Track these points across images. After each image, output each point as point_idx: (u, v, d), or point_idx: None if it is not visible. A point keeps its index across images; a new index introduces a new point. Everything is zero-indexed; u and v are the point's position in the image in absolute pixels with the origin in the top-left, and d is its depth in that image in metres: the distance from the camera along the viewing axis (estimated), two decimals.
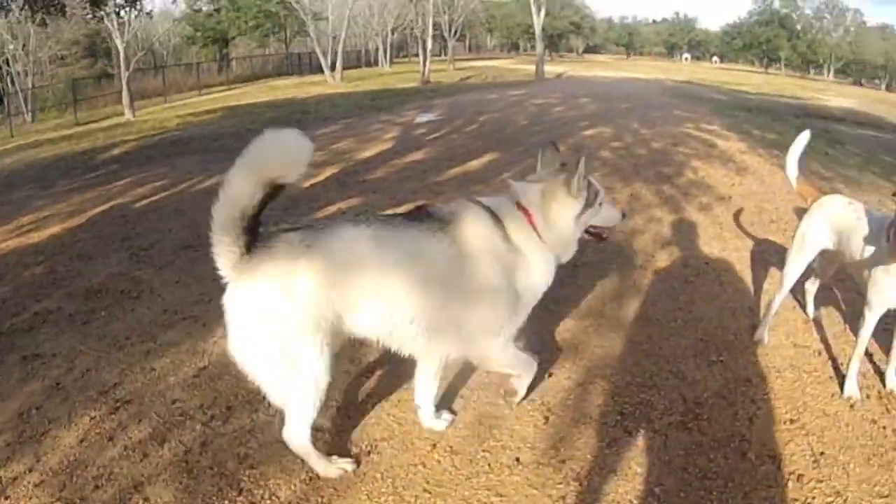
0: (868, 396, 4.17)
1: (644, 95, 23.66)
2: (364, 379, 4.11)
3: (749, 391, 4.18)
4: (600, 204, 3.34)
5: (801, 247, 4.53)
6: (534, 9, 41.04)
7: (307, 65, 53.05)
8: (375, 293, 2.82)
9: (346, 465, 3.13)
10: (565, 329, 4.82)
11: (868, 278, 3.96)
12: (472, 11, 57.98)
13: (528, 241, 3.13)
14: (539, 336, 4.50)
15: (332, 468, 3.09)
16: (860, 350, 4.09)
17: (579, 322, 4.90)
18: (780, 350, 4.71)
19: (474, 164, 10.03)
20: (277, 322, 2.66)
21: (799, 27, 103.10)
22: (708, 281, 5.87)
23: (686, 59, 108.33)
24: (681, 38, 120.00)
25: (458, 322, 3.00)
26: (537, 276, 3.18)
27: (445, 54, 57.93)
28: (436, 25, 50.44)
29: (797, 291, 5.16)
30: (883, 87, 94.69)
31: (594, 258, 6.14)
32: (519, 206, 3.21)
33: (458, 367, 3.88)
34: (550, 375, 4.19)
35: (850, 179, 10.24)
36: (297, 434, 2.93)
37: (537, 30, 41.47)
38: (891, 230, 3.72)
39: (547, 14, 43.31)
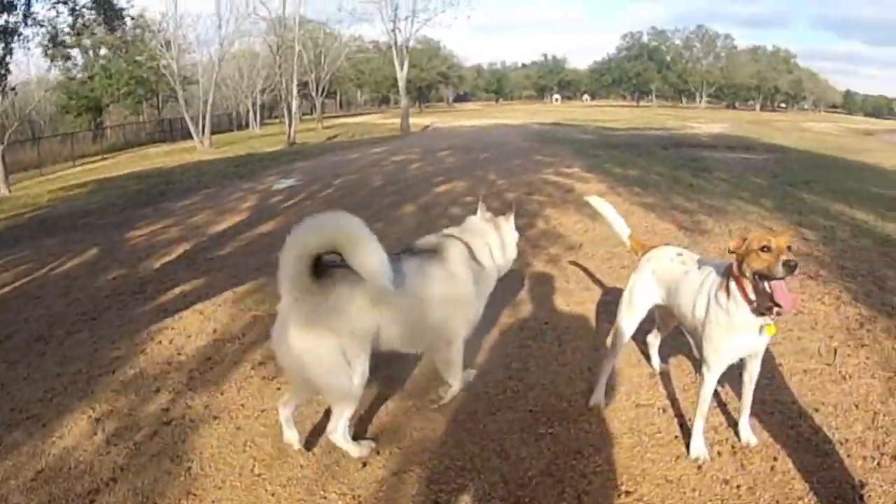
0: (719, 454, 4.07)
1: (507, 143, 24.04)
2: None
3: (579, 464, 4.02)
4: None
5: (630, 303, 4.48)
6: (396, 63, 42.32)
7: (179, 130, 52.98)
8: (401, 307, 4.02)
9: (369, 445, 4.14)
10: (385, 412, 4.68)
11: (702, 336, 3.88)
12: (339, 68, 59.06)
13: (489, 259, 4.63)
14: (359, 422, 4.49)
15: (364, 450, 4.08)
16: (703, 409, 3.99)
17: (401, 403, 4.80)
18: (620, 412, 4.59)
19: None
20: (345, 329, 3.68)
21: (669, 58, 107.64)
22: (546, 343, 5.77)
23: (556, 99, 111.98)
24: (550, 80, 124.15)
25: (448, 322, 4.40)
26: (491, 285, 4.74)
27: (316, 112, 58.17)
28: (304, 84, 51.65)
29: (645, 343, 5.18)
30: (757, 107, 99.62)
31: None
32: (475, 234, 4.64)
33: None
34: (364, 465, 4.02)
35: (715, 209, 10.50)
36: (342, 427, 3.93)
37: (401, 83, 42.73)
38: (728, 283, 3.67)
39: (414, 66, 44.35)
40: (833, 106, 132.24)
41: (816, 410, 4.53)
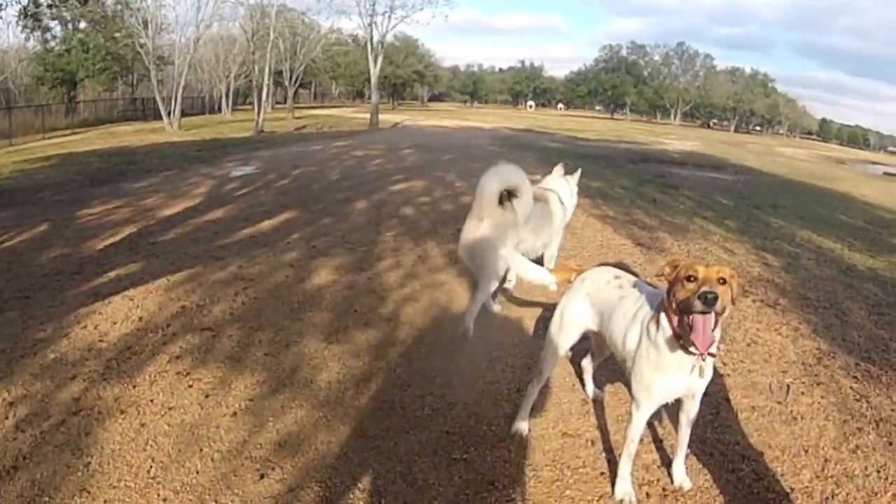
0: (648, 496, 3.73)
1: (473, 145, 23.84)
2: None
3: (491, 497, 3.67)
4: None
5: (561, 327, 4.13)
6: (370, 58, 42.73)
7: (151, 110, 52.30)
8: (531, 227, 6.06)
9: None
10: (293, 421, 4.36)
11: (631, 371, 3.53)
12: (315, 59, 59.20)
13: (567, 200, 6.67)
14: (261, 430, 4.26)
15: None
16: (630, 449, 3.62)
17: (311, 413, 4.47)
18: (544, 441, 4.23)
19: (267, 224, 9.60)
20: (507, 234, 5.67)
21: (646, 73, 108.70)
22: (476, 358, 5.38)
23: (531, 106, 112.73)
24: (526, 86, 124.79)
25: (551, 234, 6.50)
26: (569, 214, 6.75)
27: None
28: (279, 72, 51.86)
29: (580, 367, 4.87)
30: (731, 128, 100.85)
31: (352, 328, 5.85)
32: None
33: None
34: (262, 477, 3.74)
35: (676, 227, 10.28)
36: (481, 298, 5.80)
37: (373, 79, 43.35)
38: (658, 315, 3.32)
39: (390, 63, 44.39)
40: (808, 133, 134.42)
41: (762, 453, 4.19)
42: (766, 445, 4.28)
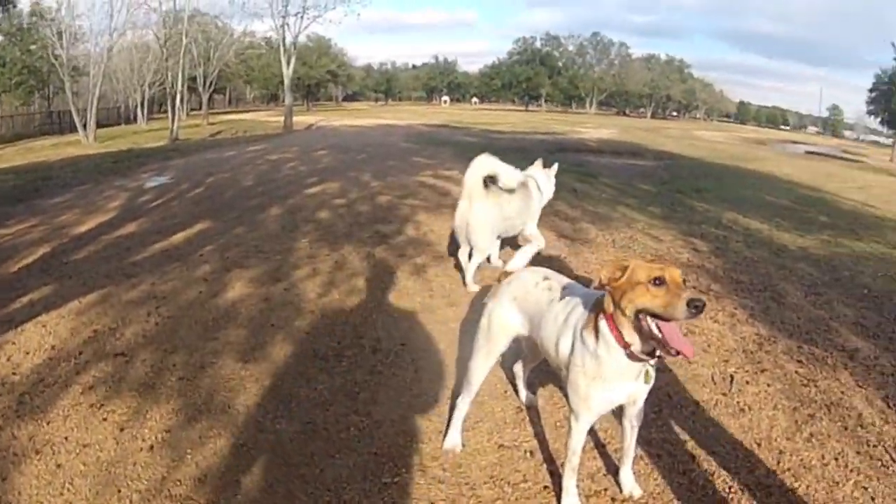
0: None
1: (388, 143, 23.53)
2: None
3: None
4: None
5: (487, 335, 3.88)
6: (283, 59, 42.27)
7: (68, 123, 50.78)
8: (515, 208, 7.07)
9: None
10: (212, 452, 4.03)
11: (568, 380, 3.29)
12: (228, 64, 58.93)
13: (545, 187, 7.43)
14: (180, 463, 3.93)
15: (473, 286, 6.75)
16: (573, 463, 3.39)
17: (230, 441, 4.13)
18: (480, 456, 3.97)
19: (180, 237, 9.15)
20: (494, 212, 6.84)
21: (561, 63, 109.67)
22: (401, 370, 5.09)
23: (445, 101, 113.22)
24: (440, 82, 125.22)
25: (531, 213, 7.30)
26: (545, 199, 7.56)
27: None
28: (193, 78, 51.51)
29: (512, 372, 4.63)
30: (648, 114, 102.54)
31: (270, 344, 5.52)
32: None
33: None
34: None
35: (599, 217, 10.19)
36: (475, 265, 6.93)
37: (286, 81, 42.68)
38: (596, 321, 3.09)
39: (304, 64, 44.01)
40: (726, 116, 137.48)
41: (712, 451, 4.01)
42: (715, 442, 4.11)
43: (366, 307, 6.32)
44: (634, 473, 3.65)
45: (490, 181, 6.69)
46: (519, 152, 19.71)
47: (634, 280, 2.88)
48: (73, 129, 43.81)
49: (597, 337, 3.06)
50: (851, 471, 3.86)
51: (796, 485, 3.69)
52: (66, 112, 49.78)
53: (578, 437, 3.32)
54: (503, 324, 3.81)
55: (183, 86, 44.42)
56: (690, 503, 3.53)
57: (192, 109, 62.06)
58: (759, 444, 4.08)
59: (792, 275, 7.72)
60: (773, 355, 5.42)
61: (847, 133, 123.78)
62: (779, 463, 3.90)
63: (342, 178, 14.23)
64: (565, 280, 3.71)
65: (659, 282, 2.81)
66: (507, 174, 6.71)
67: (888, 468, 3.91)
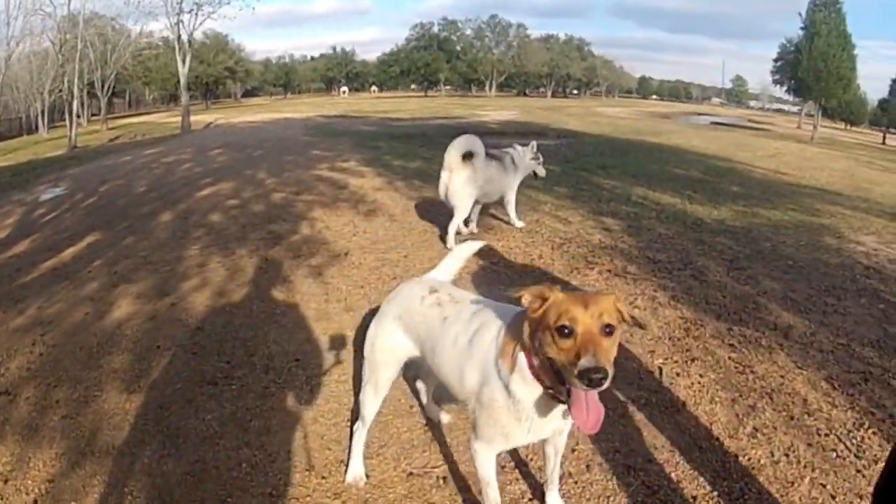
0: None
1: (285, 138, 22.87)
2: None
3: None
4: None
5: (372, 363, 3.39)
6: (178, 58, 41.18)
7: None
8: (488, 178, 8.18)
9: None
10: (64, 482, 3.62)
11: (477, 413, 2.82)
12: (125, 66, 57.33)
13: (521, 162, 8.47)
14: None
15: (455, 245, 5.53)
16: (492, 496, 2.91)
17: (113, 489, 3.66)
18: (388, 488, 3.54)
19: (69, 252, 8.54)
20: (471, 182, 7.85)
21: (459, 48, 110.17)
22: (295, 390, 4.60)
23: (344, 92, 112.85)
24: (339, 72, 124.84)
25: (508, 184, 8.44)
26: (522, 174, 8.55)
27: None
28: (91, 83, 50.34)
29: (415, 388, 4.20)
30: (548, 94, 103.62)
31: (154, 369, 5.02)
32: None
33: None
34: None
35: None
36: (454, 227, 7.86)
37: (182, 80, 41.59)
38: (514, 351, 2.60)
39: (201, 62, 43.23)
40: (628, 91, 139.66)
41: (649, 460, 3.65)
42: (651, 447, 3.76)
43: (258, 319, 5.83)
44: (563, 495, 3.28)
45: (468, 156, 7.67)
46: (419, 138, 19.48)
47: (545, 321, 2.39)
48: None
49: (511, 369, 2.60)
50: (805, 467, 3.56)
51: (747, 489, 3.38)
52: None
53: (487, 466, 2.88)
54: (387, 348, 3.33)
55: (82, 91, 43.71)
56: None
57: (93, 115, 60.77)
58: (700, 447, 3.74)
59: (711, 250, 7.53)
60: (702, 341, 5.14)
61: (752, 103, 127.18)
62: (724, 466, 3.58)
63: (237, 177, 13.64)
64: (458, 293, 3.24)
65: (566, 332, 2.31)
66: (482, 151, 7.80)
67: (844, 459, 3.64)
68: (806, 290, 6.25)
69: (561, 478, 3.29)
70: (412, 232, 8.16)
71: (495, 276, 6.64)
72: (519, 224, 8.48)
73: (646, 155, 18.17)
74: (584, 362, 2.19)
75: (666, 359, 4.83)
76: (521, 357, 2.56)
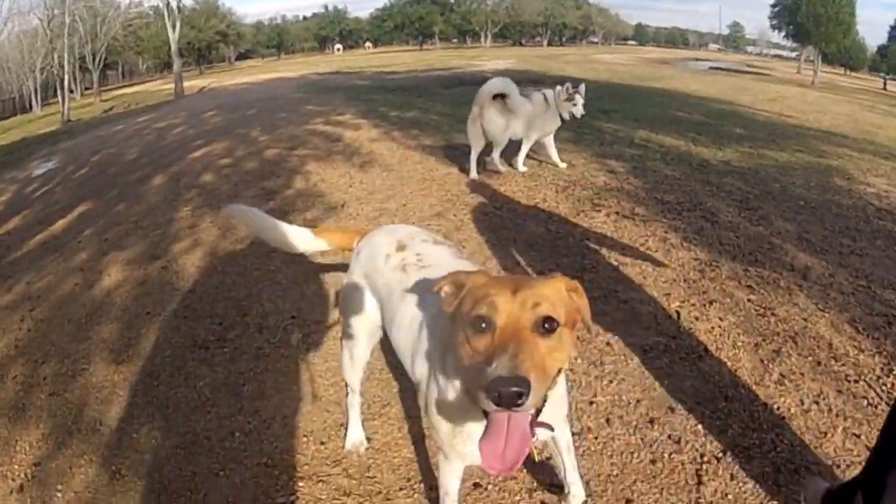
0: None
1: (279, 96, 22.56)
2: None
3: None
4: None
5: (346, 327, 2.91)
6: (168, 25, 41.24)
7: None
8: (520, 115, 8.18)
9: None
10: (83, 485, 3.31)
11: (427, 414, 2.27)
12: (116, 37, 57.15)
13: (552, 101, 8.27)
14: None
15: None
16: None
17: (101, 468, 3.43)
18: (392, 452, 3.29)
19: (60, 224, 8.32)
20: (503, 117, 8.10)
21: (452, 0, 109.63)
22: (290, 349, 4.35)
23: (338, 49, 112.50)
24: (332, 31, 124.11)
25: (541, 126, 8.39)
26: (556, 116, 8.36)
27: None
28: (83, 57, 50.13)
29: None
30: (544, 43, 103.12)
31: (144, 337, 4.79)
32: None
33: None
34: None
35: (504, 147, 9.39)
36: (497, 155, 8.38)
37: (174, 46, 41.74)
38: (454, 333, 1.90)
39: (192, 27, 43.34)
40: (624, 39, 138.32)
41: (672, 410, 3.41)
42: (674, 397, 3.51)
43: (251, 277, 5.58)
44: (583, 453, 3.05)
45: (500, 97, 7.85)
46: (415, 90, 19.20)
47: (461, 310, 1.83)
48: None
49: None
50: (837, 416, 3.31)
51: (778, 440, 3.13)
52: None
53: (449, 477, 2.38)
54: (358, 310, 2.79)
55: (73, 66, 43.51)
56: (656, 482, 2.92)
57: (86, 89, 60.46)
58: (725, 396, 3.49)
59: (720, 191, 7.27)
60: (719, 282, 4.89)
61: (749, 49, 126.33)
62: (752, 416, 3.33)
63: (229, 136, 13.36)
64: (432, 252, 2.55)
65: (481, 325, 1.72)
66: (515, 90, 7.91)
67: (875, 407, 3.38)
68: (820, 231, 6.01)
69: (580, 433, 3.10)
70: (410, 180, 7.96)
71: (499, 221, 6.42)
72: (522, 168, 8.36)
73: (646, 99, 17.83)
74: (495, 367, 1.57)
75: (683, 301, 4.59)
76: (449, 360, 2.03)
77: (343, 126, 12.53)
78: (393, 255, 2.55)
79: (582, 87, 8.18)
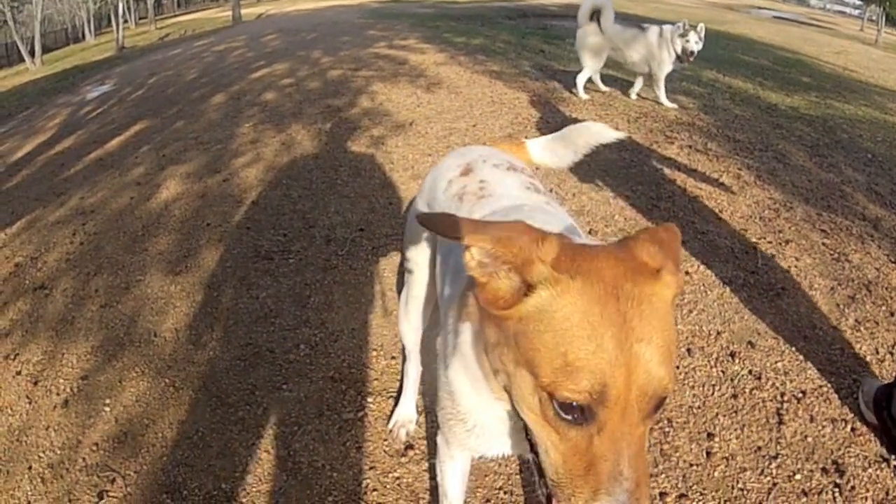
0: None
1: (340, 21, 22.24)
2: None
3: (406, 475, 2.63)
4: None
5: (406, 262, 2.45)
6: None
7: (15, 55, 48.99)
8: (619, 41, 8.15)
9: None
10: (133, 399, 3.20)
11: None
12: None
13: (668, 37, 7.89)
14: (93, 423, 3.08)
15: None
16: None
17: (154, 381, 3.32)
18: None
19: (115, 142, 8.15)
20: (599, 40, 8.14)
21: None
22: (359, 262, 4.23)
23: None
24: None
25: (654, 57, 7.97)
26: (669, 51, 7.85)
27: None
28: None
29: None
30: None
31: (203, 248, 4.67)
32: None
33: None
34: (101, 498, 2.65)
35: (570, 76, 9.23)
36: (589, 77, 8.46)
37: None
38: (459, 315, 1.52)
39: None
40: None
41: (751, 345, 3.30)
42: (754, 332, 3.41)
43: (317, 190, 5.46)
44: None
45: (596, 16, 7.92)
46: (478, 19, 18.97)
47: (519, 342, 1.15)
48: (21, 59, 42.39)
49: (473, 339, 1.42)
50: None
51: (855, 388, 3.00)
52: (13, 44, 48.14)
53: (448, 472, 1.93)
54: (415, 243, 2.34)
55: None
56: (738, 418, 2.83)
57: (141, 18, 60.25)
58: (804, 336, 3.36)
59: (790, 135, 7.05)
60: (794, 223, 4.73)
61: (812, 1, 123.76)
62: (830, 359, 3.20)
63: (291, 58, 13.12)
64: (501, 180, 1.99)
65: (575, 413, 1.08)
66: (610, 8, 7.91)
67: None
68: (889, 184, 5.79)
69: None
70: (479, 103, 7.72)
71: None
72: (668, 104, 7.98)
73: (712, 41, 17.29)
74: (607, 499, 1.05)
75: (759, 239, 4.45)
76: (466, 330, 1.45)
77: (408, 50, 12.26)
78: (455, 180, 2.05)
79: (701, 26, 7.78)
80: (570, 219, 1.78)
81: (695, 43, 7.63)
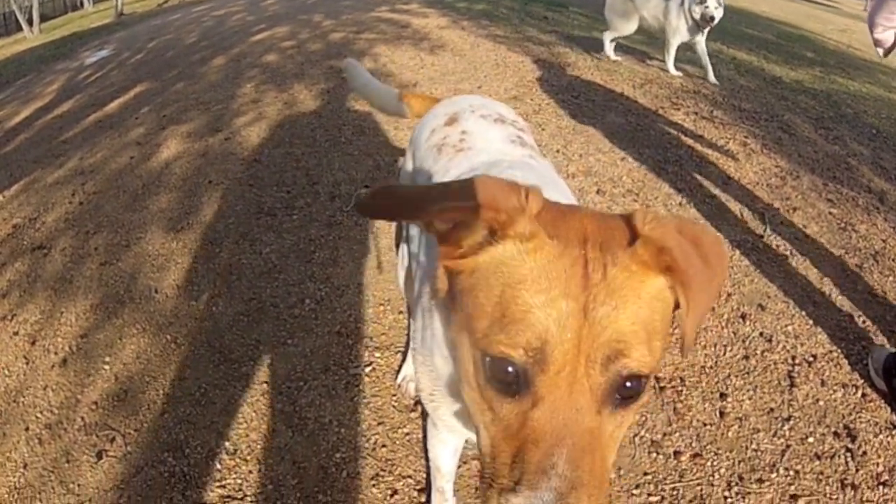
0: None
1: None
2: None
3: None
4: None
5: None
6: None
7: (13, 24, 48.49)
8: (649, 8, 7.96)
9: None
10: (133, 356, 3.18)
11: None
12: None
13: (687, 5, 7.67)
14: (92, 381, 3.06)
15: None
16: (440, 483, 2.05)
17: (154, 338, 3.29)
18: None
19: (115, 104, 8.08)
20: (631, 7, 8.09)
21: None
22: (367, 230, 4.12)
23: None
24: None
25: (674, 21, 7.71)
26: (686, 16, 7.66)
27: None
28: None
29: None
30: None
31: (205, 205, 4.62)
32: None
33: None
34: (99, 458, 2.64)
35: (574, 40, 9.36)
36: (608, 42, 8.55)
37: None
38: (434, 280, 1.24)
39: None
40: None
41: (762, 308, 3.29)
42: (763, 296, 3.39)
43: (321, 148, 5.40)
44: (674, 344, 2.83)
45: None
46: None
47: (466, 300, 1.00)
48: (19, 29, 42.20)
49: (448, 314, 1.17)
50: None
51: (865, 355, 2.98)
52: (11, 13, 47.83)
53: (438, 447, 1.86)
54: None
55: None
56: (750, 379, 2.82)
57: None
58: (813, 301, 3.34)
59: (795, 107, 6.98)
60: (801, 191, 4.69)
61: None
62: (839, 325, 3.18)
63: (291, 21, 13.12)
64: (485, 132, 1.86)
65: (512, 382, 0.92)
66: None
67: None
68: (894, 160, 5.75)
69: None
70: (484, 65, 7.67)
71: (577, 109, 6.18)
72: (673, 72, 7.86)
73: None
74: (525, 496, 0.86)
75: (767, 205, 4.42)
76: (435, 317, 1.32)
77: (410, 14, 12.12)
78: (438, 129, 1.91)
79: None
80: (558, 175, 1.72)
81: (714, 8, 7.38)
